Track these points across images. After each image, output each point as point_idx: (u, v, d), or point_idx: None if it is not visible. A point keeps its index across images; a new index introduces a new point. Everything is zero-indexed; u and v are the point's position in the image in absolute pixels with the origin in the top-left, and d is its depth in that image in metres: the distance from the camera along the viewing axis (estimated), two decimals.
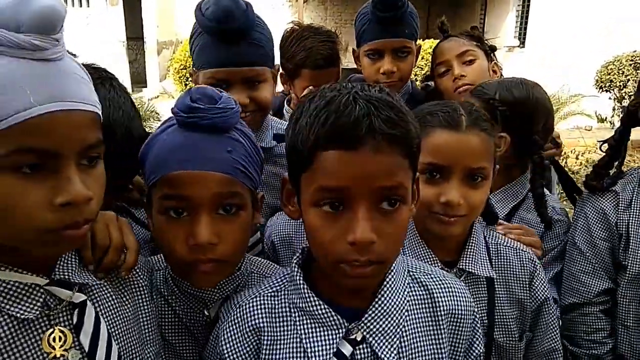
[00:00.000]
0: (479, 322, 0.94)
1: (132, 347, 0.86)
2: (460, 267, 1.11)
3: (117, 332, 0.84)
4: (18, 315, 0.73)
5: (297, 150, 0.77)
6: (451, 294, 0.91)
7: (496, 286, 1.15)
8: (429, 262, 1.10)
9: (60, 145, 0.67)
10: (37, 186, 0.66)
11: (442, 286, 0.91)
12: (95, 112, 0.73)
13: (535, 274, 1.18)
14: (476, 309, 0.94)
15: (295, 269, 0.88)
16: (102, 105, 0.98)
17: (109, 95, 1.04)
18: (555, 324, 1.21)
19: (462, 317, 0.90)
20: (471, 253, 1.13)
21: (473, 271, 1.11)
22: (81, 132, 0.70)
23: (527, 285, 1.16)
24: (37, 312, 0.74)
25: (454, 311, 0.90)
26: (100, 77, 1.05)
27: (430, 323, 0.88)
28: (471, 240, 1.14)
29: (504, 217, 1.39)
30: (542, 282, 1.19)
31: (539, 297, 1.17)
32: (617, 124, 1.43)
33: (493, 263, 1.16)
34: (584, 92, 8.23)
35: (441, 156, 1.05)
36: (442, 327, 0.88)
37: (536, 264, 1.19)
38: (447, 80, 1.80)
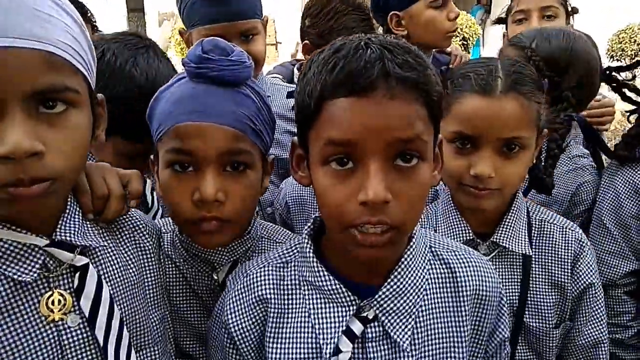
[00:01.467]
0: (507, 304, 0.87)
1: (136, 312, 0.82)
2: (494, 240, 1.04)
3: (120, 296, 0.80)
4: (15, 277, 0.69)
5: (304, 105, 0.71)
6: (476, 273, 0.83)
7: (533, 265, 1.07)
8: (461, 233, 1.05)
9: None
10: None
11: (467, 264, 0.83)
12: (50, 51, 0.62)
13: (582, 255, 1.08)
14: (502, 291, 0.87)
15: (306, 240, 0.81)
16: (147, 74, 1.01)
17: (150, 62, 1.07)
18: (600, 313, 1.09)
19: (487, 298, 0.83)
20: (508, 227, 1.05)
21: (508, 246, 1.04)
22: (26, 74, 0.60)
23: (570, 268, 1.07)
24: (35, 275, 0.70)
25: (478, 291, 0.82)
26: (143, 45, 1.08)
27: (450, 303, 0.81)
28: (510, 213, 1.05)
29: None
30: (588, 265, 1.08)
31: (582, 282, 1.07)
32: (629, 93, 1.33)
33: (533, 240, 1.08)
34: None
35: (471, 125, 0.96)
36: (464, 308, 0.81)
37: (584, 245, 1.09)
38: (520, 30, 1.70)
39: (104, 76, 1.02)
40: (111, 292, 0.78)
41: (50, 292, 0.72)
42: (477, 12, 10.40)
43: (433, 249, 0.84)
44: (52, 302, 0.72)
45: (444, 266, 0.83)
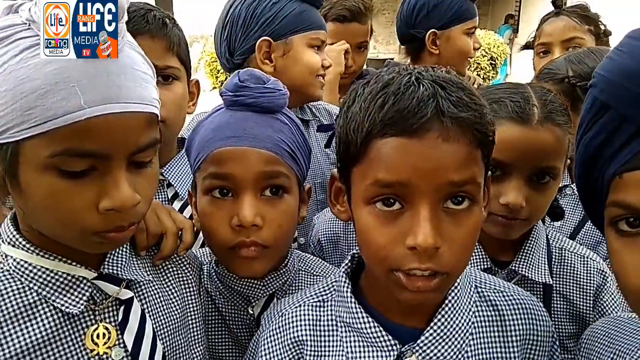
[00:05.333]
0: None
1: (178, 347, 0.82)
2: (513, 268, 1.00)
3: (163, 331, 0.80)
4: (63, 308, 0.70)
5: (348, 140, 0.67)
6: (526, 315, 0.78)
7: (554, 295, 1.02)
8: (478, 261, 1.00)
9: (109, 149, 0.63)
10: (84, 189, 0.63)
11: (516, 306, 0.78)
12: (151, 112, 0.67)
13: (605, 287, 1.02)
14: (555, 334, 0.81)
15: (343, 279, 0.78)
16: (185, 46, 1.10)
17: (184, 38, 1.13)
18: None
19: (538, 342, 0.78)
20: (528, 254, 1.00)
21: (528, 275, 0.99)
22: (133, 135, 0.65)
23: (592, 300, 1.02)
24: (82, 307, 0.71)
25: (528, 335, 0.77)
26: (169, 19, 1.11)
27: (498, 349, 0.76)
28: (530, 241, 1.01)
29: (577, 222, 1.27)
30: (612, 297, 1.02)
31: (606, 314, 1.01)
32: None
33: (553, 269, 1.03)
34: None
35: (506, 153, 0.91)
36: (513, 353, 0.76)
37: (606, 276, 1.03)
38: (543, 63, 1.65)
39: None
40: (154, 326, 0.79)
41: (95, 325, 0.73)
42: (505, 31, 10.36)
43: (479, 289, 0.80)
44: (97, 336, 0.73)
45: (490, 308, 0.78)
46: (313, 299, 0.82)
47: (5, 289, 0.69)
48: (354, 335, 0.75)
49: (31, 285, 0.70)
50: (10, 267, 0.70)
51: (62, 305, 0.70)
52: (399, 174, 0.63)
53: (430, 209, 0.63)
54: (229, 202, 0.85)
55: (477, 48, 1.82)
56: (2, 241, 0.72)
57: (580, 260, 1.04)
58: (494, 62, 7.76)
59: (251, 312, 0.94)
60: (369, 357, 0.73)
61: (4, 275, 0.70)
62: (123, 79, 0.63)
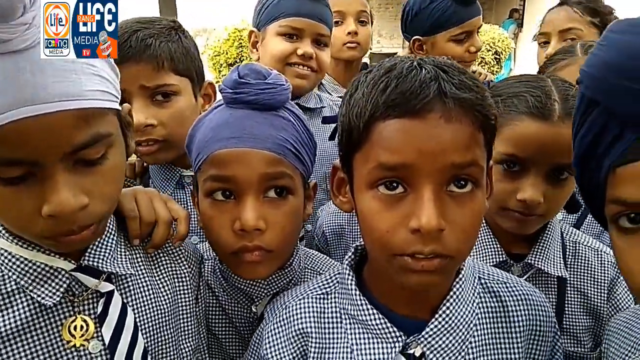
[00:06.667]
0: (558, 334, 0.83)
1: (164, 342, 0.81)
2: (529, 261, 0.99)
3: (147, 325, 0.79)
4: (39, 299, 0.70)
5: (351, 126, 0.67)
6: (528, 305, 0.78)
7: (568, 288, 1.03)
8: (493, 254, 1.00)
9: (36, 154, 0.58)
10: (25, 195, 0.61)
11: (518, 297, 0.79)
12: (83, 107, 0.60)
13: (619, 280, 1.02)
14: (556, 325, 0.82)
15: (347, 271, 0.79)
16: (184, 57, 1.08)
17: (183, 45, 1.11)
18: None
19: (541, 332, 0.79)
20: (544, 248, 1.00)
21: (543, 268, 0.99)
22: (61, 135, 0.59)
23: (606, 293, 1.03)
24: (58, 299, 0.71)
25: (531, 326, 0.78)
26: (172, 28, 1.10)
27: (502, 339, 0.77)
28: (545, 234, 1.01)
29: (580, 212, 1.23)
30: (626, 290, 1.02)
31: (620, 308, 1.02)
32: None
33: (568, 262, 1.04)
34: None
35: (525, 149, 0.90)
36: (515, 344, 0.77)
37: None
38: (542, 53, 1.68)
39: None
40: (138, 320, 0.78)
41: (73, 317, 0.73)
42: (509, 26, 10.29)
43: (482, 281, 0.80)
44: (75, 328, 0.73)
45: (494, 299, 0.79)
46: (317, 291, 0.82)
47: None
48: (358, 327, 0.76)
49: (10, 274, 0.70)
50: None
51: (38, 296, 0.70)
52: (401, 156, 0.62)
53: (434, 190, 0.62)
54: (231, 205, 0.83)
55: (472, 52, 1.77)
56: None
57: (594, 254, 1.04)
58: (498, 57, 7.70)
59: (254, 310, 0.94)
60: (373, 348, 0.74)
61: None
62: (39, 76, 0.56)
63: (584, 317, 1.03)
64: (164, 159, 1.14)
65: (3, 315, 0.69)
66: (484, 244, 1.02)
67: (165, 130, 1.08)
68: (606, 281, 1.03)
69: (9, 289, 0.70)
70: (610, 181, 0.56)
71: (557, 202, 0.95)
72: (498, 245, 1.01)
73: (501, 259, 1.01)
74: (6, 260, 0.70)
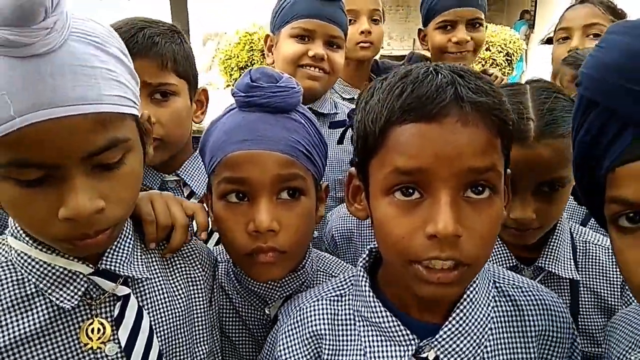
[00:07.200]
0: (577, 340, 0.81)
1: (179, 345, 0.82)
2: (539, 265, 0.99)
3: (163, 328, 0.80)
4: (57, 302, 0.71)
5: (367, 132, 0.66)
6: (545, 311, 0.77)
7: (581, 289, 1.02)
8: (503, 259, 1.00)
9: (54, 157, 0.59)
10: (43, 197, 0.62)
11: (534, 301, 0.77)
12: (101, 111, 0.61)
13: None
14: (575, 331, 0.80)
15: (361, 273, 0.78)
16: (184, 60, 1.10)
17: (184, 48, 1.12)
18: None
19: (557, 338, 0.77)
20: (553, 250, 0.99)
21: (554, 271, 0.98)
22: (79, 139, 0.60)
23: (620, 291, 1.02)
24: (76, 302, 0.72)
25: (546, 331, 0.76)
26: (175, 31, 1.12)
27: (517, 344, 0.75)
28: (554, 236, 1.00)
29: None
30: None
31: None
32: None
33: (579, 263, 1.03)
34: None
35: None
36: (530, 349, 0.75)
37: None
38: (562, 49, 1.67)
39: None
40: (153, 323, 0.79)
41: (91, 320, 0.74)
42: (520, 27, 10.23)
43: (497, 284, 0.79)
44: (92, 331, 0.74)
45: (510, 303, 0.78)
46: (331, 293, 0.82)
47: (6, 279, 0.71)
48: (372, 330, 0.75)
49: (30, 277, 0.71)
50: (13, 259, 0.72)
51: (57, 299, 0.71)
52: (418, 160, 0.61)
53: (451, 195, 0.62)
54: (245, 206, 0.84)
55: (454, 42, 1.76)
56: (9, 233, 0.74)
57: (605, 252, 1.03)
58: (509, 58, 7.66)
59: (268, 312, 0.94)
60: (387, 351, 0.73)
61: (7, 266, 0.72)
62: (59, 80, 0.57)
63: (599, 317, 1.02)
64: (160, 160, 1.13)
65: (23, 318, 0.70)
66: (494, 250, 1.02)
67: (162, 130, 1.08)
68: (619, 279, 1.01)
69: (29, 292, 0.71)
70: (610, 181, 0.56)
71: (551, 215, 0.94)
72: (508, 251, 1.01)
73: (511, 264, 1.00)
74: (26, 264, 0.72)
